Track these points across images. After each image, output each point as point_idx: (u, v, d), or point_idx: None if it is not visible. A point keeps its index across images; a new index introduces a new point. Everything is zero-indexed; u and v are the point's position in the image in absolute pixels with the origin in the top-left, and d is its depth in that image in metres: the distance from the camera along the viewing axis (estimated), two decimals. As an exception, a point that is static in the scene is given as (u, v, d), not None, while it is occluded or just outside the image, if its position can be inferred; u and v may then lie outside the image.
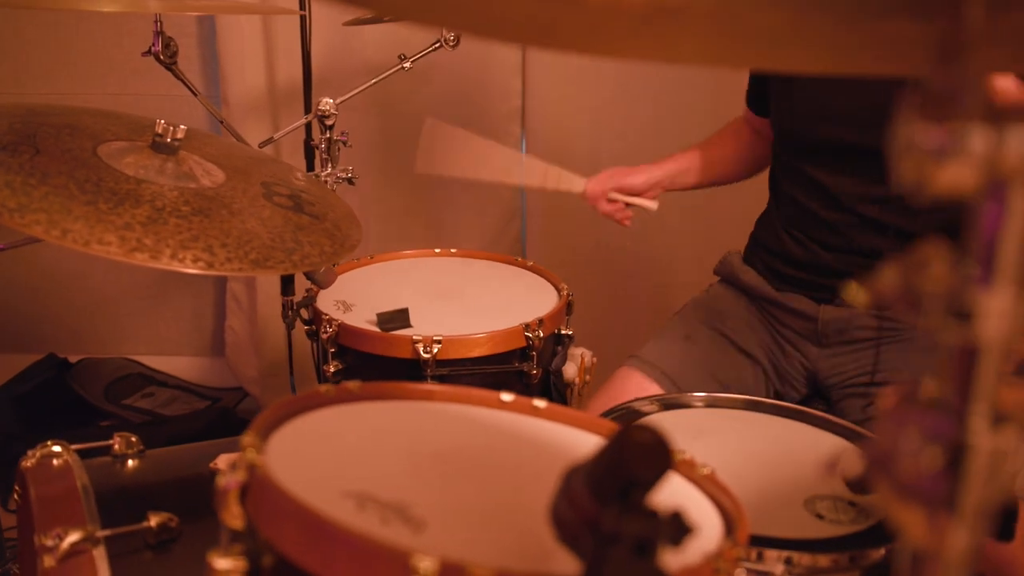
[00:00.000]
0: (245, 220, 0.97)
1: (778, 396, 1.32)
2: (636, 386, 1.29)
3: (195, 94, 1.45)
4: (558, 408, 0.74)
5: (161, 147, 1.02)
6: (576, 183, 1.43)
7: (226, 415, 2.15)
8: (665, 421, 1.00)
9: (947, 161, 0.27)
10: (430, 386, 0.72)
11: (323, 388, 0.66)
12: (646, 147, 2.09)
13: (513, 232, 2.24)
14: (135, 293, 2.27)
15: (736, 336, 1.37)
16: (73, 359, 2.20)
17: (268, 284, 2.11)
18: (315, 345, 1.31)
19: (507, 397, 0.74)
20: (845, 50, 0.40)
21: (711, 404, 1.04)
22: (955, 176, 0.27)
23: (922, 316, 0.30)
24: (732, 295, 1.42)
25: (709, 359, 1.35)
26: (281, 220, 1.02)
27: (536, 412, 0.74)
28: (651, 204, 1.46)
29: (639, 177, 1.44)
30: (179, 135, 1.03)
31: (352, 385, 0.68)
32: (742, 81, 1.49)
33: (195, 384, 2.25)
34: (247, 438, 0.55)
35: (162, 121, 1.03)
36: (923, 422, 0.32)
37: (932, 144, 0.28)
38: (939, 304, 0.29)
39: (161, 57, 1.36)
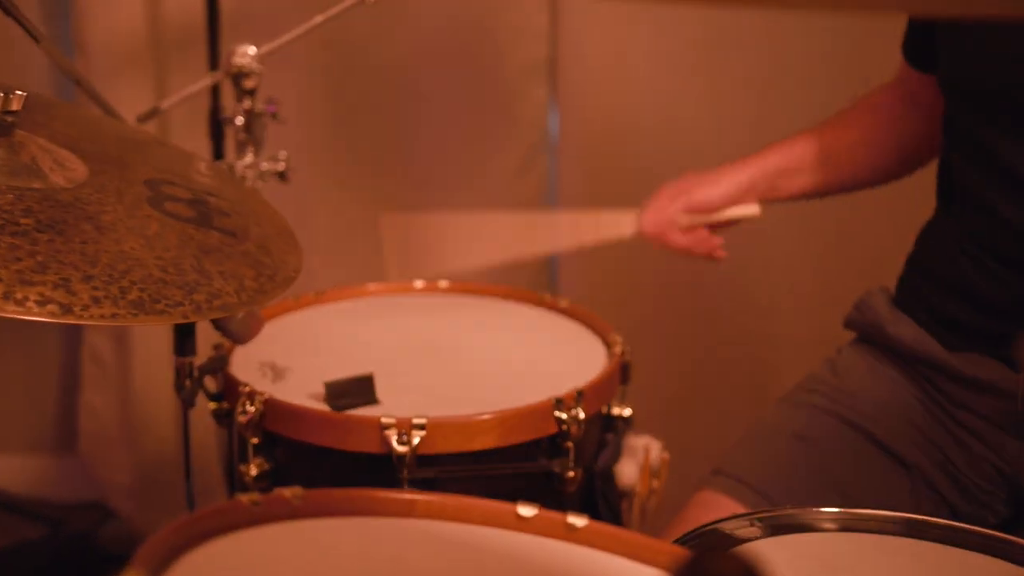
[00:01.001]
0: (121, 239, 1.01)
1: (957, 518, 1.34)
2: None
3: (36, 40, 1.50)
4: (604, 529, 0.77)
5: (-15, 125, 1.06)
6: (624, 223, 1.47)
7: (78, 546, 2.17)
8: (773, 550, 1.02)
9: None
10: (410, 495, 0.75)
11: (245, 498, 0.69)
12: (733, 119, 2.13)
13: (537, 253, 2.28)
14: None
15: (883, 431, 1.39)
16: None
17: (151, 338, 2.14)
18: (228, 433, 1.34)
19: (527, 511, 0.77)
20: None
21: (848, 526, 1.06)
22: None
23: None
24: (875, 362, 1.44)
25: (837, 469, 1.37)
26: (177, 239, 1.06)
27: (571, 535, 0.77)
28: (750, 210, 1.49)
29: (716, 188, 1.47)
30: (14, 105, 1.07)
31: (290, 494, 0.71)
32: (873, 26, 1.53)
33: (26, 498, 2.28)
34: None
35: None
36: None
37: None
38: None
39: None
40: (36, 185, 1.04)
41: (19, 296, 0.89)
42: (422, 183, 2.23)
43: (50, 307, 0.89)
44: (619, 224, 1.47)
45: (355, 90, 2.18)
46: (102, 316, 0.92)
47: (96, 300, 0.92)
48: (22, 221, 0.97)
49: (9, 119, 1.07)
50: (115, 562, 2.16)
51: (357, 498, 0.75)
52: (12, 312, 0.87)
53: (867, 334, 1.46)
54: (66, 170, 1.09)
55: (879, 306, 1.44)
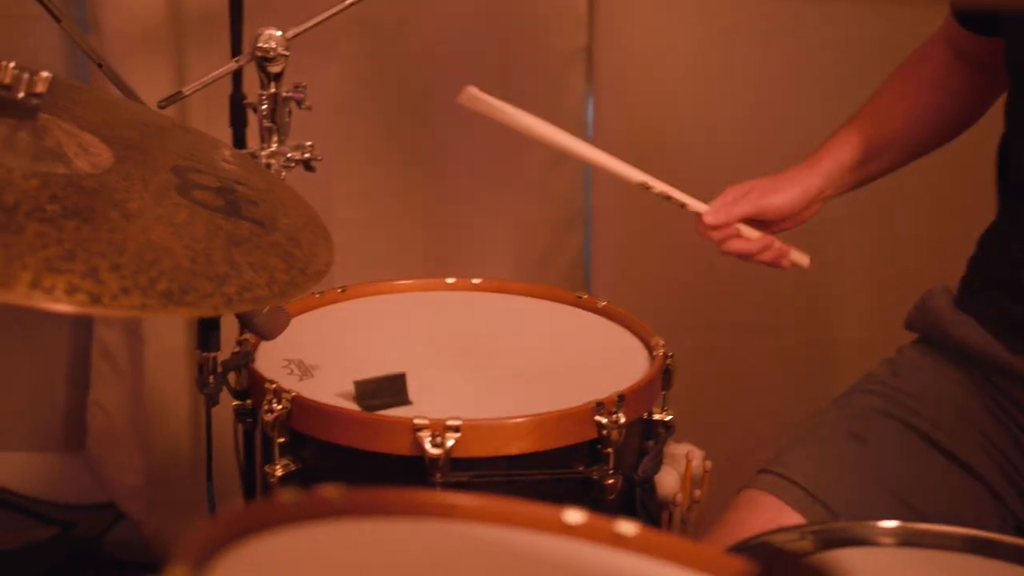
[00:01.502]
0: (149, 227, 1.03)
1: (1022, 531, 1.34)
2: (770, 520, 1.32)
3: (57, 19, 1.52)
4: (656, 537, 0.78)
5: (11, 106, 1.08)
6: (693, 202, 1.45)
7: (85, 550, 2.20)
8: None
9: None
10: (454, 497, 0.76)
11: (286, 496, 0.71)
12: (777, 110, 2.13)
13: (570, 251, 2.30)
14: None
15: (944, 435, 1.39)
16: None
17: (164, 331, 2.16)
18: (246, 432, 1.36)
19: (575, 517, 0.78)
20: None
21: (907, 540, 1.07)
22: None
23: None
24: (937, 364, 1.45)
25: (895, 473, 1.37)
26: (205, 228, 1.07)
27: (620, 542, 0.78)
28: (801, 259, 1.47)
29: (784, 193, 1.45)
30: (39, 87, 1.09)
31: (331, 493, 0.72)
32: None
33: (33, 498, 2.30)
34: (175, 572, 0.60)
35: (11, 64, 1.09)
36: None
37: None
38: None
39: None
40: (61, 170, 1.05)
41: (47, 285, 0.90)
42: (453, 174, 2.24)
43: (79, 296, 0.91)
44: (691, 202, 1.44)
45: (384, 77, 2.19)
46: (131, 306, 0.94)
47: (125, 290, 0.94)
48: (48, 207, 0.98)
49: (34, 102, 1.08)
50: (123, 568, 2.20)
51: (399, 499, 0.76)
52: (41, 301, 0.89)
53: (929, 334, 1.47)
54: (91, 155, 1.11)
55: (941, 306, 1.44)
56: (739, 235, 1.44)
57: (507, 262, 2.24)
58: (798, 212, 1.46)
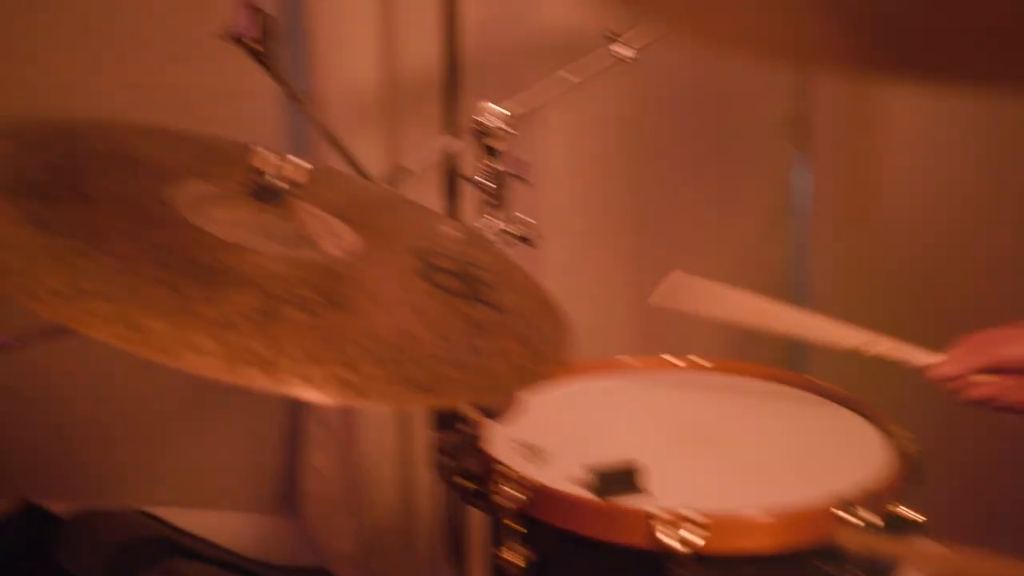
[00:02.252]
0: (393, 313, 1.03)
1: None
2: None
3: (298, 100, 1.54)
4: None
5: (266, 192, 1.09)
6: (921, 357, 1.41)
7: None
8: None
9: None
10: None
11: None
12: (1013, 180, 2.04)
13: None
14: (157, 409, 2.40)
15: None
16: (58, 509, 2.34)
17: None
18: (458, 507, 1.34)
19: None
20: None
21: None
22: None
23: None
24: None
25: None
26: (446, 313, 1.07)
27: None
28: None
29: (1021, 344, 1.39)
30: (297, 176, 1.09)
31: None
32: None
33: (248, 558, 2.34)
34: None
35: (263, 151, 1.11)
36: None
37: None
38: None
39: (248, 42, 1.45)
40: (313, 256, 1.06)
41: (310, 375, 0.89)
42: (659, 246, 2.22)
43: (338, 387, 0.90)
44: (916, 356, 1.41)
45: (590, 145, 2.19)
46: (390, 397, 0.93)
47: (380, 380, 0.93)
48: (305, 294, 0.99)
49: (287, 187, 1.09)
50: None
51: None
52: (303, 391, 0.88)
53: None
54: (337, 239, 1.12)
55: None
56: (975, 384, 1.38)
57: (717, 336, 2.20)
58: None
